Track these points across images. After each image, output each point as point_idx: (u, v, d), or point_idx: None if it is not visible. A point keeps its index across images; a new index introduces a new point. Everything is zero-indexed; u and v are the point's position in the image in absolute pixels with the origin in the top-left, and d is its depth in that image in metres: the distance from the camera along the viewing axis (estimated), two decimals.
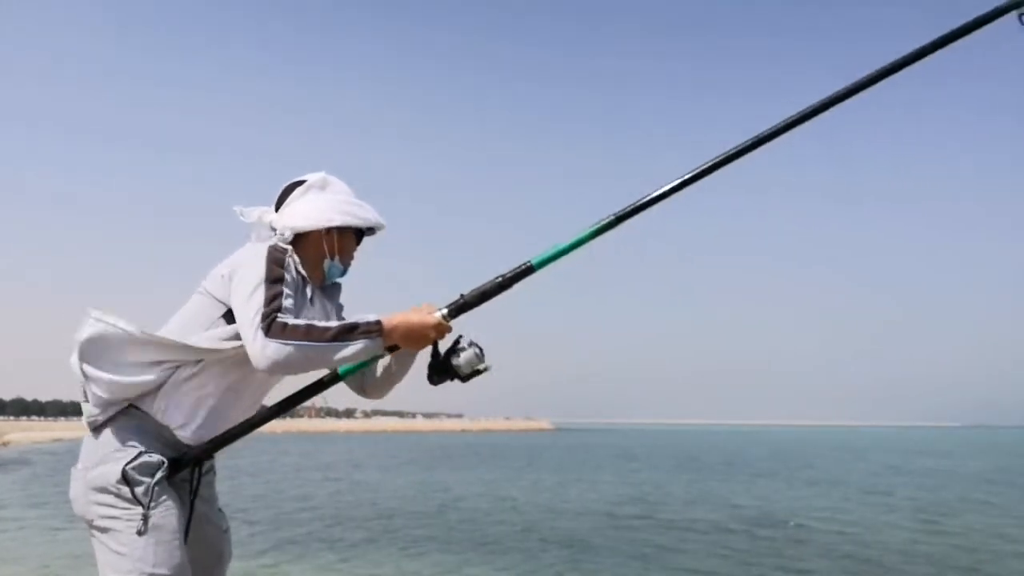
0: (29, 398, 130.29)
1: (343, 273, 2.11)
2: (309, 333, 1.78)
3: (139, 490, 1.82)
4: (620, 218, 2.01)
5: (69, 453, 35.56)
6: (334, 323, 1.84)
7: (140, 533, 1.80)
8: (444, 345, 1.94)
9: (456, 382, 1.96)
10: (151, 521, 1.82)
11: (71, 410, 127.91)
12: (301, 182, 2.08)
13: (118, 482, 1.82)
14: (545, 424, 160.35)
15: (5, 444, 48.63)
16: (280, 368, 1.79)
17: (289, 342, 1.77)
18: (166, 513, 1.85)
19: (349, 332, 1.82)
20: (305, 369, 1.85)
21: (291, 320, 1.80)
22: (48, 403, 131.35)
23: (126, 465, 1.82)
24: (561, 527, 12.91)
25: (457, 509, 15.43)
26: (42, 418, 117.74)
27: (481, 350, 1.93)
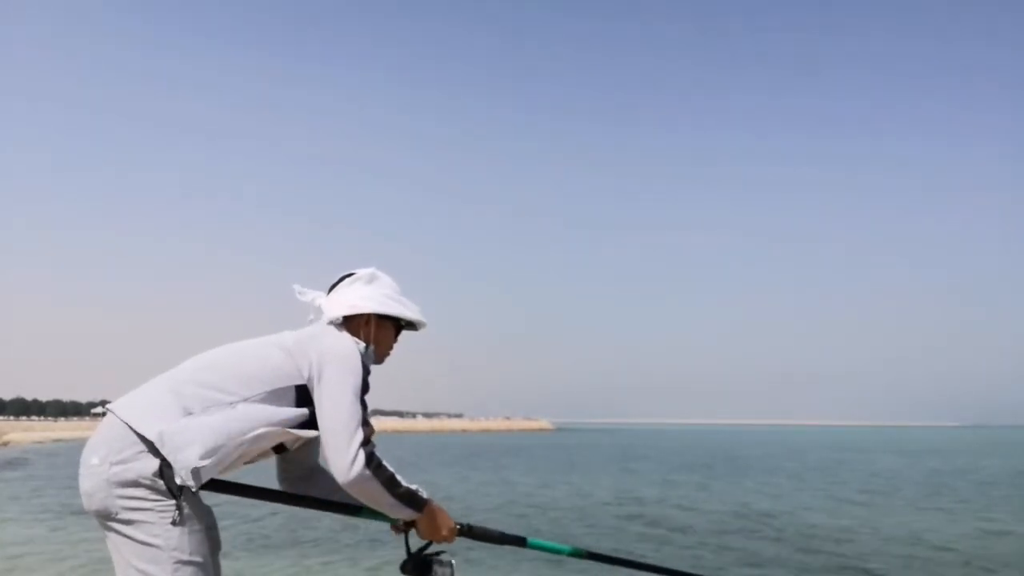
0: (29, 398, 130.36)
1: (377, 362, 2.22)
2: (390, 482, 2.02)
3: (173, 484, 1.86)
4: (593, 555, 2.48)
5: (69, 453, 35.26)
6: (404, 484, 2.07)
7: (175, 523, 1.86)
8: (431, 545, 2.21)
9: None
10: (184, 512, 1.87)
11: (71, 410, 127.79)
12: (352, 274, 2.25)
13: (154, 475, 1.85)
14: (545, 424, 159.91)
15: (5, 444, 48.73)
16: (349, 486, 1.98)
17: (374, 480, 1.98)
18: (195, 505, 1.92)
19: (410, 498, 2.08)
20: (362, 499, 2.03)
21: (382, 461, 2.02)
22: (48, 403, 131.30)
23: (163, 460, 1.86)
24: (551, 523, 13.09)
25: (452, 509, 15.46)
26: (42, 418, 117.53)
27: (452, 572, 2.17)
